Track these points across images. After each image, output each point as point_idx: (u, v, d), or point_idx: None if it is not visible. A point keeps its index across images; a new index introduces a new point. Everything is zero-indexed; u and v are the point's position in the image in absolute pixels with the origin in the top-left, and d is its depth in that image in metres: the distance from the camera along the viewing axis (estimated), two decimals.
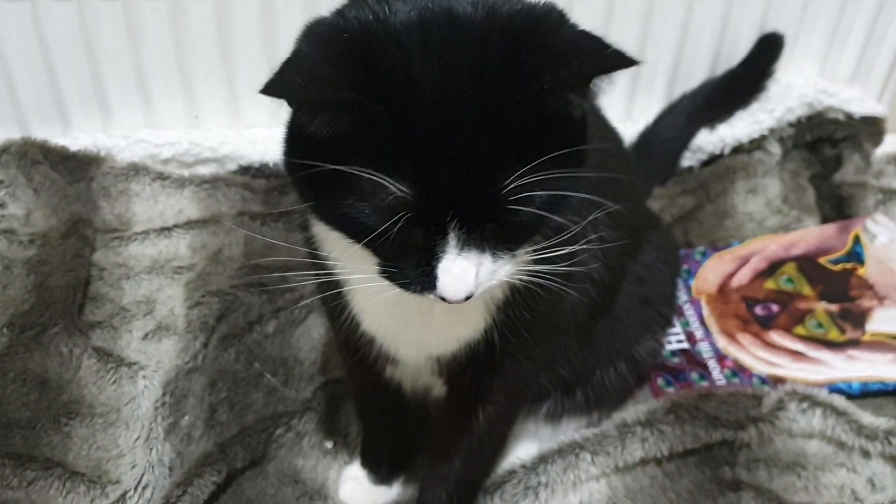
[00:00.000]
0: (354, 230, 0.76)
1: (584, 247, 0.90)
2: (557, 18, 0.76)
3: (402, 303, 0.83)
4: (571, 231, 0.84)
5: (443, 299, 0.76)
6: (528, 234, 0.77)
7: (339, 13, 0.77)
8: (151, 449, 1.20)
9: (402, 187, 0.71)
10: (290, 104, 0.75)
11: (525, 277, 0.83)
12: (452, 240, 0.73)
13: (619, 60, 0.72)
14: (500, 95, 0.71)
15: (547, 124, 0.73)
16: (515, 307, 0.90)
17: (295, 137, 0.78)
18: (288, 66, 0.72)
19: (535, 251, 0.83)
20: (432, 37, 0.72)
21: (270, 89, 0.70)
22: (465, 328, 0.93)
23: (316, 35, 0.75)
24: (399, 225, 0.72)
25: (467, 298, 0.75)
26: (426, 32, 0.72)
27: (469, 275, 0.74)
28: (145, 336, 1.37)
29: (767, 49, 1.67)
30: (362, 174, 0.71)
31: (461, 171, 0.71)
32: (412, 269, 0.76)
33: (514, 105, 0.71)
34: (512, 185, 0.71)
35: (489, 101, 0.71)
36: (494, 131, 0.71)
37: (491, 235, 0.75)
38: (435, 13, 0.73)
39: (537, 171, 0.71)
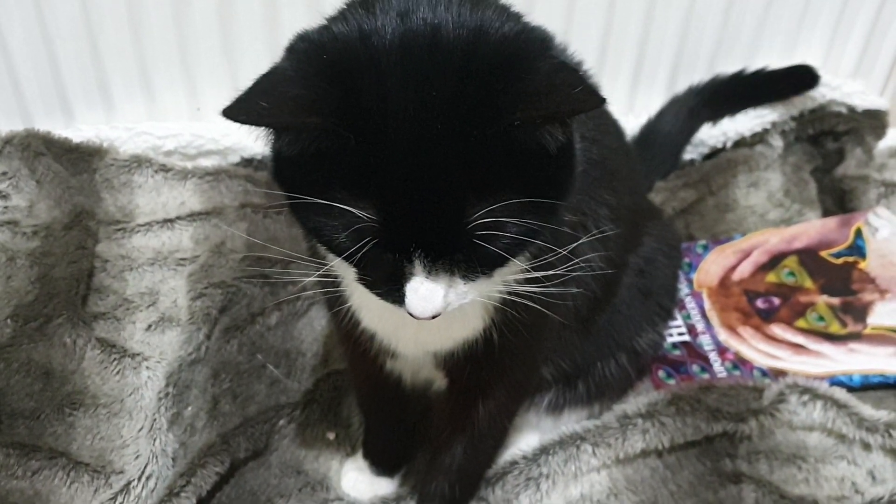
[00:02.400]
0: (328, 247, 0.76)
1: (578, 264, 0.90)
2: (539, 47, 0.75)
3: None
4: (558, 253, 0.83)
5: (411, 314, 0.76)
6: (502, 262, 0.76)
7: (326, 28, 0.76)
8: (155, 439, 1.20)
9: (367, 214, 0.71)
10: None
11: (519, 289, 0.84)
12: (418, 265, 0.74)
13: (587, 101, 0.71)
14: (471, 129, 0.70)
15: (519, 159, 0.72)
16: (514, 307, 0.90)
17: (272, 152, 0.78)
18: (257, 87, 0.72)
19: (524, 269, 0.84)
20: (413, 62, 0.71)
21: (230, 113, 0.70)
22: (462, 328, 0.93)
23: (297, 53, 0.75)
24: (366, 248, 0.73)
25: (435, 317, 0.76)
26: (407, 56, 0.72)
27: (436, 297, 0.75)
28: (148, 327, 1.38)
29: (796, 79, 1.67)
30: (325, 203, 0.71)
31: (426, 203, 0.71)
32: (384, 283, 0.77)
33: (484, 139, 0.70)
34: (479, 221, 0.71)
35: (460, 133, 0.70)
36: (463, 165, 0.70)
37: (461, 261, 0.74)
38: (419, 35, 0.72)
39: (508, 206, 0.71)
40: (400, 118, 0.70)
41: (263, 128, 0.73)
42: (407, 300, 0.75)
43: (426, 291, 0.75)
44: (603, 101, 0.71)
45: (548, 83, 0.71)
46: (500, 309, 0.91)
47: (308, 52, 0.75)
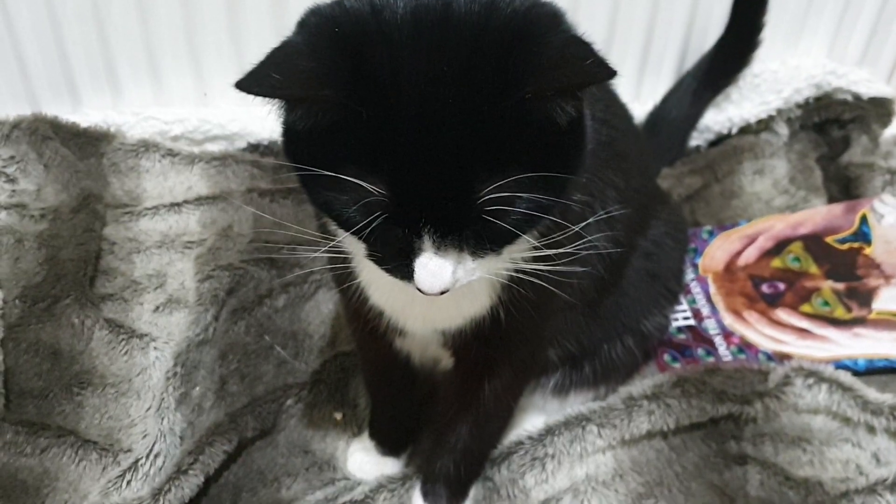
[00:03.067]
0: (338, 221, 0.77)
1: (587, 243, 0.91)
2: (550, 21, 0.74)
3: None
4: (566, 231, 0.83)
5: (420, 290, 0.76)
6: (513, 237, 0.76)
7: (338, 2, 0.76)
8: (163, 418, 1.21)
9: (378, 189, 0.71)
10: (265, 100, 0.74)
11: (526, 267, 0.84)
12: (427, 241, 0.74)
13: (598, 73, 0.71)
14: (482, 103, 0.70)
15: (530, 133, 0.72)
16: (521, 286, 0.90)
17: (283, 125, 0.78)
18: (269, 59, 0.72)
19: (534, 246, 0.84)
20: (424, 36, 0.71)
21: (244, 85, 0.70)
22: (470, 305, 0.94)
23: (308, 27, 0.75)
24: (376, 223, 0.73)
25: (444, 293, 0.76)
26: (419, 30, 0.72)
27: (445, 273, 0.75)
28: (156, 309, 1.39)
29: (748, 2, 1.62)
30: (337, 176, 0.72)
31: (436, 178, 0.71)
32: (393, 258, 0.77)
33: (496, 113, 0.70)
34: (488, 196, 0.71)
35: (471, 108, 0.70)
36: (474, 139, 0.70)
37: (471, 237, 0.75)
38: (430, 9, 0.72)
39: (519, 182, 0.71)
40: (411, 92, 0.70)
41: (276, 100, 0.74)
42: (416, 275, 0.76)
43: (435, 267, 0.75)
44: (614, 73, 0.70)
45: (559, 56, 0.71)
46: (507, 287, 0.91)
47: (319, 25, 0.75)
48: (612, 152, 1.03)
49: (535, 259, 0.85)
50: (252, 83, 0.70)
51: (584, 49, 0.72)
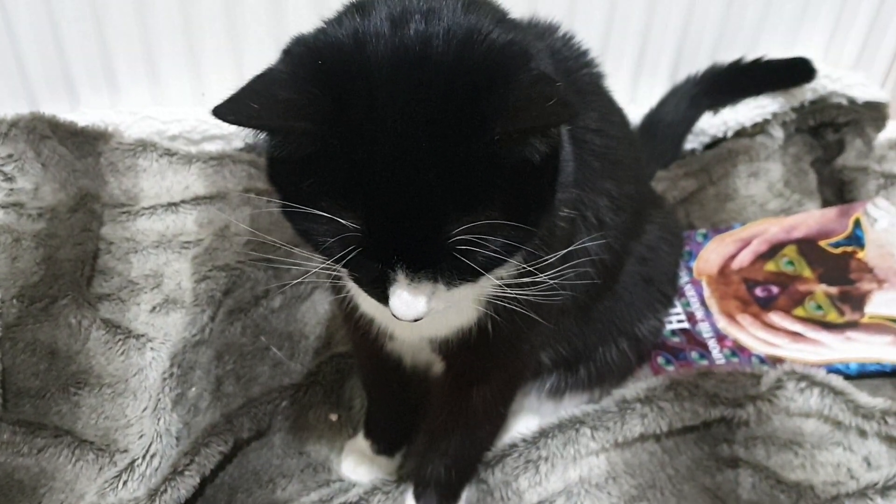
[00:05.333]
0: (316, 250, 0.78)
1: (575, 259, 0.92)
2: (520, 60, 0.74)
3: None
4: (545, 260, 0.85)
5: (395, 316, 0.78)
6: (487, 270, 0.77)
7: (322, 31, 0.77)
8: (159, 419, 1.22)
9: (353, 223, 0.72)
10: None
11: (508, 293, 0.85)
12: (401, 274, 0.75)
13: (560, 115, 0.72)
14: (454, 145, 0.71)
15: (502, 174, 0.72)
16: (507, 297, 0.90)
17: (267, 152, 0.79)
18: (249, 87, 0.72)
19: (518, 267, 0.85)
20: (403, 73, 0.72)
21: (220, 112, 0.70)
22: (457, 317, 0.94)
23: (292, 56, 0.76)
24: (351, 256, 0.74)
25: (418, 319, 0.78)
26: (398, 67, 0.72)
27: (418, 303, 0.77)
28: (153, 309, 1.39)
29: (794, 72, 1.68)
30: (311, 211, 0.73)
31: (408, 216, 0.72)
32: (370, 284, 0.79)
33: (468, 155, 0.71)
34: (459, 236, 0.72)
35: (444, 149, 0.71)
36: (446, 180, 0.71)
37: (445, 269, 0.76)
38: (409, 48, 0.73)
39: (490, 222, 0.72)
40: (387, 130, 0.71)
41: (252, 129, 0.74)
42: (391, 303, 0.77)
43: (408, 299, 0.76)
44: (575, 114, 0.72)
45: (525, 96, 0.71)
46: (493, 299, 0.91)
47: (303, 56, 0.75)
48: (606, 161, 1.04)
49: (522, 275, 0.87)
50: (229, 111, 0.70)
51: (549, 88, 0.72)
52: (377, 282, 0.77)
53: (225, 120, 0.70)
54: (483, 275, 0.77)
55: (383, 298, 0.78)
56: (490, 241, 0.74)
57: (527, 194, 0.75)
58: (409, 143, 0.71)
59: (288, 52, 0.77)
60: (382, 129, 0.71)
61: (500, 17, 0.80)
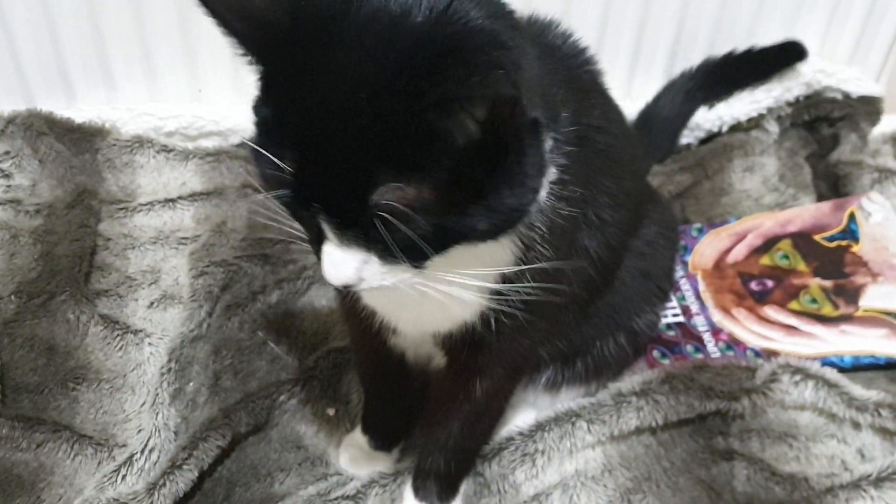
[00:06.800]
0: (266, 191, 0.77)
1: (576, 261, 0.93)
2: (484, 45, 0.71)
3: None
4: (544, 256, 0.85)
5: (326, 279, 0.77)
6: (419, 253, 0.76)
7: None
8: (157, 414, 1.22)
9: (283, 164, 0.72)
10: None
11: (492, 301, 0.86)
12: (328, 230, 0.75)
13: (486, 93, 0.69)
14: (393, 105, 0.69)
15: (436, 149, 0.71)
16: (510, 293, 0.91)
17: None
18: None
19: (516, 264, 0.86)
20: (372, 29, 0.71)
21: None
22: (460, 311, 0.94)
23: None
24: (284, 199, 0.74)
25: (348, 287, 0.77)
26: (370, 23, 0.71)
27: (347, 267, 0.76)
28: (151, 304, 1.40)
29: (786, 55, 1.69)
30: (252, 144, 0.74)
31: (335, 164, 0.71)
32: (313, 243, 0.79)
33: (402, 118, 0.69)
34: (382, 201, 0.71)
35: (383, 107, 0.69)
36: (378, 138, 0.70)
37: (378, 241, 0.74)
38: (391, 11, 0.71)
39: (421, 200, 0.71)
40: (335, 74, 0.70)
41: (208, 11, 0.74)
42: (322, 263, 0.77)
43: (337, 259, 0.76)
44: (507, 104, 0.70)
45: (466, 72, 0.68)
46: (495, 294, 0.92)
47: None
48: (607, 159, 1.04)
49: (524, 271, 0.88)
50: None
51: (494, 72, 0.68)
52: (317, 241, 0.77)
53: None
54: (420, 258, 0.76)
55: (320, 260, 0.77)
56: (419, 221, 0.72)
57: (467, 186, 0.74)
58: (353, 92, 0.70)
59: None
60: (332, 72, 0.71)
61: (496, 11, 0.79)
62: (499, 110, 0.71)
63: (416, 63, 0.69)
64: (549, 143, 0.84)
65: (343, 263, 0.76)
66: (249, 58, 0.76)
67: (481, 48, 0.70)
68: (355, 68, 0.70)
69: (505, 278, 0.90)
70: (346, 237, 0.75)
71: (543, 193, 0.85)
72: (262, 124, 0.75)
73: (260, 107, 0.76)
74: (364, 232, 0.74)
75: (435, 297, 0.84)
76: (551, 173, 0.86)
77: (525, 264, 0.89)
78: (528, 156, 0.77)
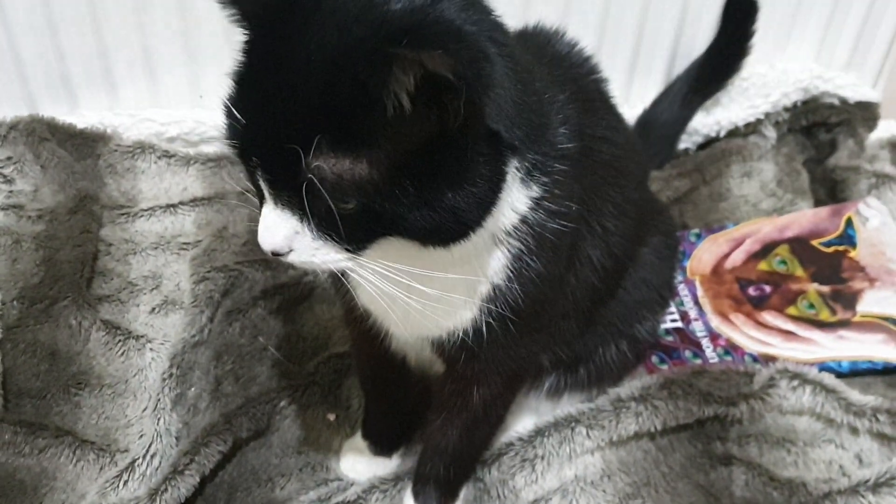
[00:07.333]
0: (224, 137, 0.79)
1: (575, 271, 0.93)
2: (449, 36, 0.70)
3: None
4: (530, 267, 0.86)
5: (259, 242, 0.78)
6: (363, 233, 0.77)
7: None
8: (159, 419, 1.23)
9: (235, 112, 0.74)
10: None
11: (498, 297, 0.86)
12: (265, 190, 0.76)
13: (424, 66, 0.67)
14: (340, 71, 0.70)
15: (376, 126, 0.71)
16: (500, 303, 0.92)
17: None
18: None
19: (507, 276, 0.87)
20: (350, 6, 0.72)
21: None
22: (450, 317, 0.94)
23: None
24: (233, 150, 0.76)
25: (277, 254, 0.78)
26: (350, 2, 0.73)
27: (278, 232, 0.77)
28: (152, 310, 1.40)
29: (739, 11, 1.64)
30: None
31: (277, 124, 0.72)
32: (259, 206, 0.79)
33: (343, 84, 0.70)
34: (314, 163, 0.71)
35: (333, 73, 0.70)
36: (319, 103, 0.71)
37: (316, 213, 0.75)
38: None
39: (359, 180, 0.72)
40: (305, 41, 0.72)
41: None
42: (259, 224, 0.78)
43: (270, 222, 0.77)
44: (458, 91, 0.68)
45: (414, 44, 0.68)
46: (487, 302, 0.92)
47: None
48: (612, 169, 1.04)
49: (512, 281, 0.89)
50: None
51: (440, 55, 0.67)
52: (260, 205, 0.78)
53: None
54: (354, 239, 0.77)
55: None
56: (347, 196, 0.73)
57: (405, 175, 0.74)
58: (313, 57, 0.71)
59: None
60: (302, 38, 0.72)
61: (483, 23, 0.78)
62: (436, 90, 0.70)
63: (375, 37, 0.70)
64: (524, 164, 0.84)
65: (275, 227, 0.77)
66: (243, 24, 0.78)
67: (439, 35, 0.70)
68: (323, 37, 0.72)
69: (495, 288, 0.91)
70: (280, 200, 0.76)
71: (524, 207, 0.86)
72: (232, 78, 0.77)
73: (236, 67, 0.78)
74: (298, 196, 0.74)
75: (421, 302, 0.85)
76: (534, 189, 0.87)
77: (514, 275, 0.90)
78: (473, 162, 0.76)
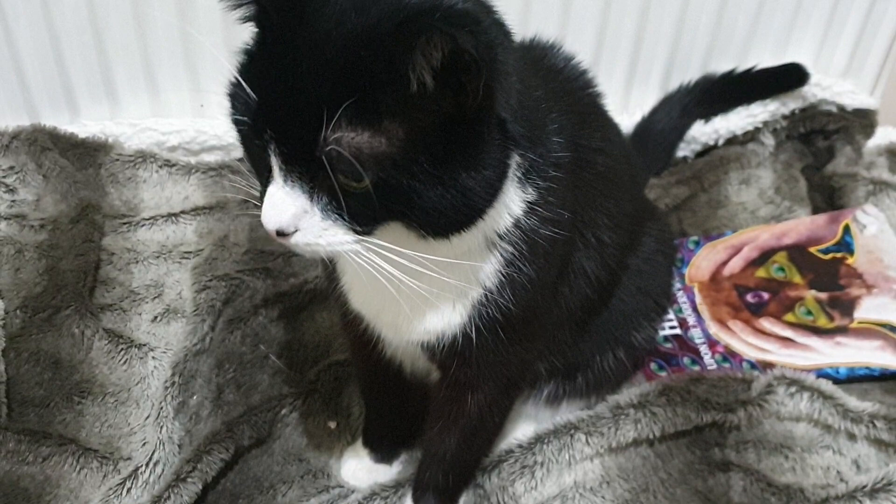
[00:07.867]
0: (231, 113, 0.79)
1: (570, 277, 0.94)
2: (460, 21, 0.70)
3: (377, 285, 0.84)
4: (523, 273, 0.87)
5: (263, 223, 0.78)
6: (373, 212, 0.76)
7: None
8: (161, 427, 1.24)
9: (249, 91, 0.74)
10: None
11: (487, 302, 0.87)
12: (275, 164, 0.75)
13: (436, 46, 0.69)
14: (359, 47, 0.71)
15: (387, 88, 0.72)
16: (491, 308, 0.92)
17: None
18: None
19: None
20: None
21: None
22: (437, 320, 0.94)
23: None
24: (243, 127, 0.76)
25: (281, 234, 0.77)
26: None
27: (285, 209, 0.75)
28: (154, 318, 1.41)
29: (788, 78, 1.71)
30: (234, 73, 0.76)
31: (294, 97, 0.72)
32: (262, 186, 0.79)
33: (364, 56, 0.71)
34: (332, 136, 0.71)
35: (351, 48, 0.71)
36: (339, 76, 0.71)
37: (324, 191, 0.76)
38: None
39: (374, 153, 0.72)
40: (322, 20, 0.73)
41: None
42: (263, 205, 0.77)
43: (278, 200, 0.76)
44: (479, 69, 0.70)
45: (438, 20, 0.69)
46: (476, 307, 0.93)
47: None
48: (607, 181, 1.05)
49: (503, 286, 0.90)
50: None
51: (463, 32, 0.68)
52: (264, 185, 0.78)
53: None
54: (365, 219, 0.77)
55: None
56: (368, 169, 0.73)
57: (423, 152, 0.74)
58: (331, 34, 0.72)
59: None
60: (319, 18, 0.73)
61: (494, 17, 0.80)
62: (458, 67, 0.71)
63: (397, 15, 0.71)
64: (523, 162, 0.85)
65: (282, 204, 0.76)
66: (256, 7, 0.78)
67: (459, 17, 0.70)
68: (341, 16, 0.72)
69: (487, 293, 0.91)
70: (291, 176, 0.75)
71: (518, 210, 0.87)
72: (244, 57, 0.78)
73: (249, 47, 0.78)
74: (310, 173, 0.74)
75: (409, 299, 0.85)
76: (529, 192, 0.87)
77: (506, 281, 0.90)
78: (487, 145, 0.77)
